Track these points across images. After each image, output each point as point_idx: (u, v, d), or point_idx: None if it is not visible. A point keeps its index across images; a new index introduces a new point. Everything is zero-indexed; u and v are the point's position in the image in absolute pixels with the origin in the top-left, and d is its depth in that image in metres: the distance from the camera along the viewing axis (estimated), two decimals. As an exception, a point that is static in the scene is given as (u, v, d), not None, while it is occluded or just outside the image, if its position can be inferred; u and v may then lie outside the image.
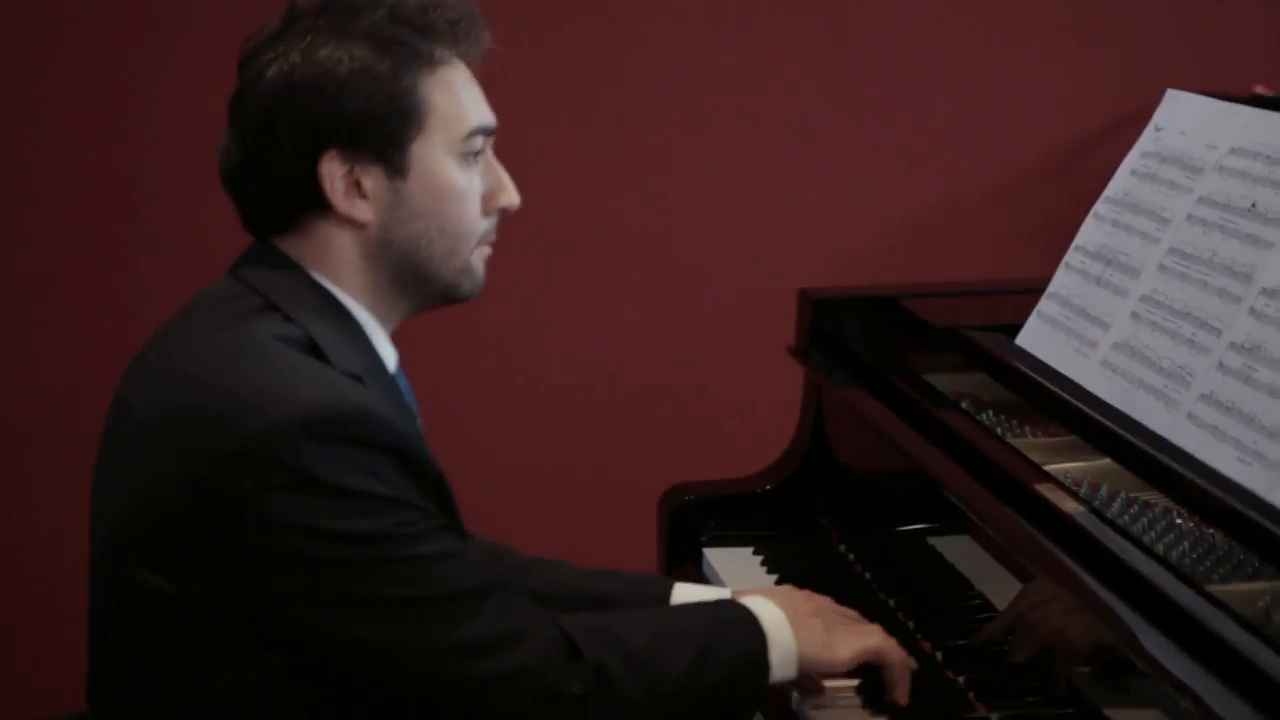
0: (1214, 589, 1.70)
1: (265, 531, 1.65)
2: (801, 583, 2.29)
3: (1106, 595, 1.74)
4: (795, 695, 1.96)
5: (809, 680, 1.94)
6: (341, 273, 1.81)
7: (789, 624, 1.89)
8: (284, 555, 1.66)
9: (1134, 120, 3.75)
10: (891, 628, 2.14)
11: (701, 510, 2.47)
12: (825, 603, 2.01)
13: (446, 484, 1.78)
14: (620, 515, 3.35)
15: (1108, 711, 1.78)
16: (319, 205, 1.78)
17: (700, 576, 2.41)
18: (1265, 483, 1.77)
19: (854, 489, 2.46)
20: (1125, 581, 1.74)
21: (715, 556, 2.41)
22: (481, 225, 1.85)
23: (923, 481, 2.24)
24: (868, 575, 2.32)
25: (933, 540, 2.27)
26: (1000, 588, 2.10)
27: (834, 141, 3.67)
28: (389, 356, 1.85)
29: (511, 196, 1.87)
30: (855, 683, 1.97)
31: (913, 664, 1.96)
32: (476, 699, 1.73)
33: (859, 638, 1.94)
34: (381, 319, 1.84)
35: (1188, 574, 1.74)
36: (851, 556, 2.38)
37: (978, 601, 2.12)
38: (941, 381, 2.30)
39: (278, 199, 1.80)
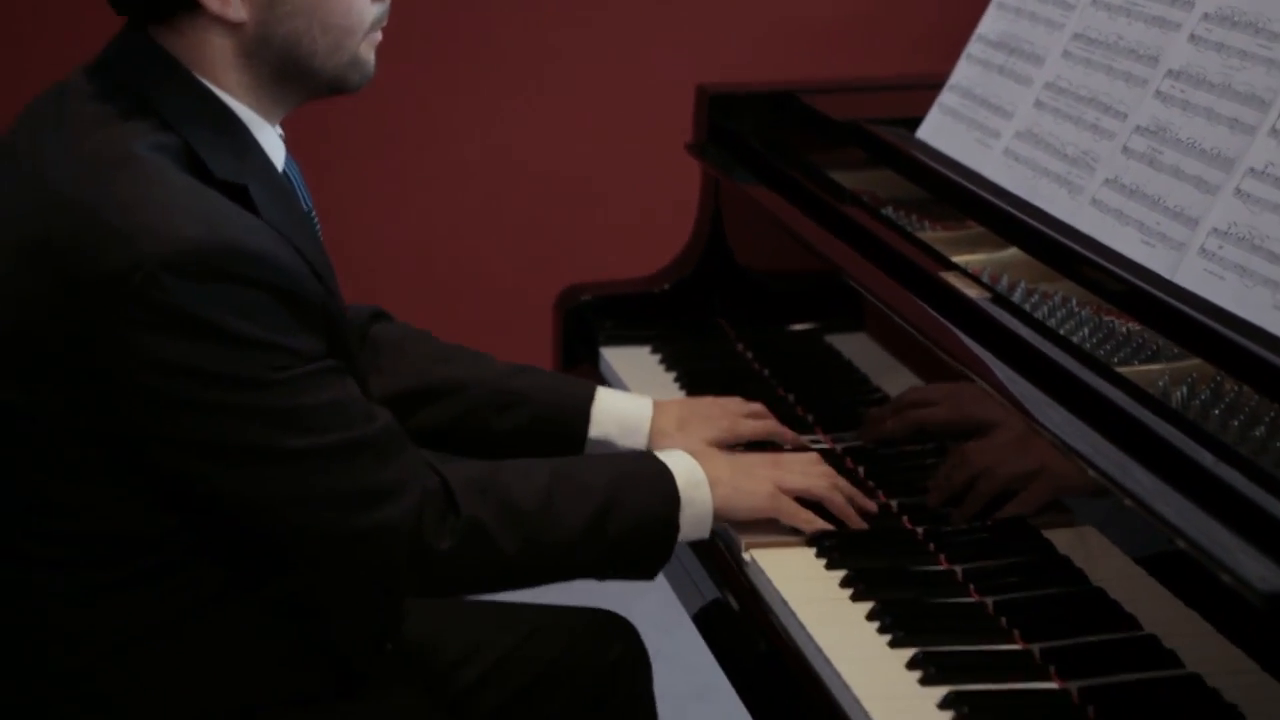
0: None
1: (130, 368, 1.56)
2: (700, 380, 2.29)
3: (1013, 378, 1.74)
4: (733, 535, 1.89)
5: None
6: (219, 71, 1.68)
7: (707, 483, 1.81)
8: (148, 393, 1.57)
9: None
10: (790, 421, 2.13)
11: (598, 310, 2.44)
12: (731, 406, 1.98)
13: (336, 316, 1.68)
14: (516, 314, 3.32)
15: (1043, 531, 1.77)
16: (190, 3, 1.65)
17: (598, 376, 2.38)
18: (1168, 263, 1.76)
19: (751, 288, 2.44)
20: (1031, 364, 1.73)
21: (613, 356, 2.39)
22: (371, 13, 1.72)
23: (820, 279, 2.21)
24: (766, 372, 2.31)
25: (829, 338, 2.26)
26: (898, 382, 2.09)
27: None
28: (277, 153, 1.74)
29: None
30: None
31: (850, 495, 1.89)
32: (345, 552, 1.66)
33: (780, 481, 1.87)
34: (266, 114, 1.72)
35: (1090, 356, 1.74)
36: (750, 355, 2.36)
37: (877, 395, 2.11)
38: (841, 179, 2.27)
39: None
